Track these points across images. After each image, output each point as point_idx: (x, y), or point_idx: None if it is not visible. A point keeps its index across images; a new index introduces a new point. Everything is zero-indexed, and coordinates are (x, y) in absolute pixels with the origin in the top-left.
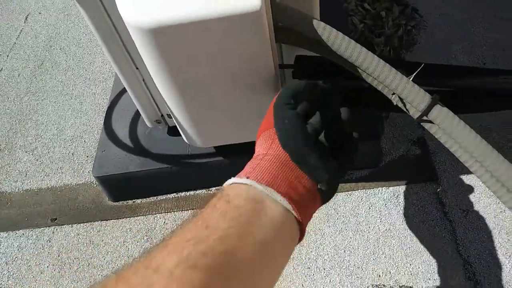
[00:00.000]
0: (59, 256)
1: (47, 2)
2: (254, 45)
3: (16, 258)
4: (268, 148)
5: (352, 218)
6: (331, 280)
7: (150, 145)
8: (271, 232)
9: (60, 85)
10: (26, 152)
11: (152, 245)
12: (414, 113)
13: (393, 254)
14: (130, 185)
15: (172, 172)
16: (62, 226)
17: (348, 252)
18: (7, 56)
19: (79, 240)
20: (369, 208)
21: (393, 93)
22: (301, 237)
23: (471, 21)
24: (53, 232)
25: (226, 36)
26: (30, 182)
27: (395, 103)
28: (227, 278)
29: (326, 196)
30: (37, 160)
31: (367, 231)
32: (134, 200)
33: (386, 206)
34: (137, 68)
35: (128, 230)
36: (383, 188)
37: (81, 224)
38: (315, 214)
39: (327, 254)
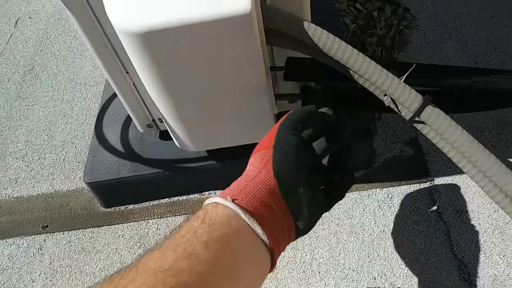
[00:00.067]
0: (50, 264)
1: (37, 7)
2: (245, 48)
3: (7, 267)
4: (260, 169)
5: (347, 220)
6: (327, 283)
7: (142, 150)
8: (246, 264)
9: (50, 90)
10: (16, 158)
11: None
12: (406, 114)
13: (388, 256)
14: (122, 190)
15: (164, 176)
16: (54, 233)
17: (343, 254)
18: None
19: (71, 247)
20: (363, 210)
21: (385, 94)
22: (271, 269)
23: (462, 21)
24: (44, 240)
25: (217, 39)
26: (20, 189)
27: (387, 104)
28: None
29: (301, 233)
30: (27, 166)
31: (362, 233)
32: (126, 206)
33: (380, 208)
34: (127, 72)
35: (121, 236)
36: (377, 189)
37: (73, 231)
38: None
39: (322, 257)
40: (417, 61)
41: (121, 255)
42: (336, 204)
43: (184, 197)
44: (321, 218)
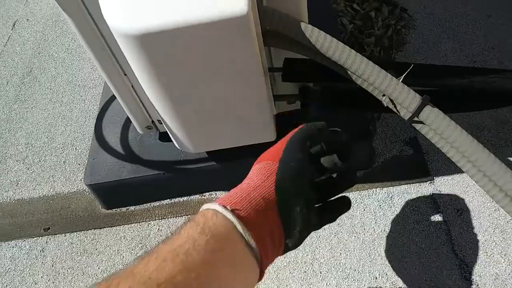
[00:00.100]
0: (53, 266)
1: (34, 9)
2: (242, 49)
3: (9, 270)
4: (263, 180)
5: (347, 220)
6: (328, 283)
7: (142, 152)
8: (240, 277)
9: (49, 92)
10: (17, 161)
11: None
12: (405, 114)
13: (389, 256)
14: (122, 192)
15: (164, 178)
16: (55, 235)
17: (344, 254)
18: None
19: (73, 249)
20: (364, 209)
21: (383, 95)
22: (259, 279)
23: (460, 20)
24: (46, 242)
25: (214, 41)
26: (21, 191)
27: (385, 105)
28: None
29: (288, 249)
30: (28, 169)
31: (363, 233)
32: (127, 208)
33: (380, 208)
34: (125, 75)
35: (122, 238)
36: (377, 189)
37: (75, 233)
38: None
39: (323, 257)
40: (415, 61)
41: (123, 257)
42: None
43: (185, 198)
44: None
